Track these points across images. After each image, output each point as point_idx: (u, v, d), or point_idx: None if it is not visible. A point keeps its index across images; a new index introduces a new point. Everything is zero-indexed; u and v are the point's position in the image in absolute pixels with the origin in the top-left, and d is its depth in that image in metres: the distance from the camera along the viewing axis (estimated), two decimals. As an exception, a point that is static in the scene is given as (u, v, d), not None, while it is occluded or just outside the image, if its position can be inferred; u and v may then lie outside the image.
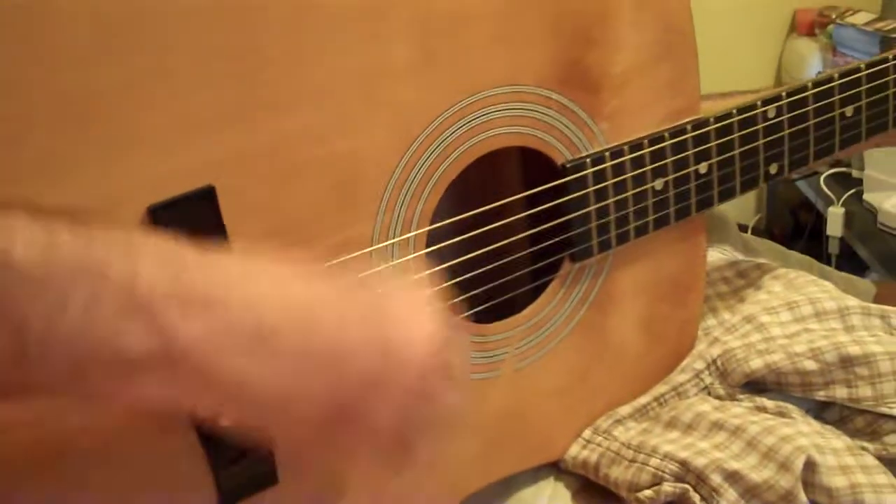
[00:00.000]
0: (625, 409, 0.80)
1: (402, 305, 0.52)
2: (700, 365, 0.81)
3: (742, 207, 2.42)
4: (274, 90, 0.58)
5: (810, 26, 2.31)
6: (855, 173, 2.00)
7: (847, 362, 0.78)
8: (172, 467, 0.60)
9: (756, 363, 0.79)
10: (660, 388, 0.81)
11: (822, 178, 2.02)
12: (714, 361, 0.81)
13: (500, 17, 0.65)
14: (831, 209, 1.96)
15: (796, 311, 0.84)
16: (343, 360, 0.49)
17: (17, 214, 0.44)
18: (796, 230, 2.30)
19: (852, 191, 1.97)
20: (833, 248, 1.99)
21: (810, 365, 0.78)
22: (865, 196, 1.94)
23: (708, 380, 0.81)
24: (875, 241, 1.87)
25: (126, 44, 0.53)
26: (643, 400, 0.80)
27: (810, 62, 2.18)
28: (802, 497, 0.70)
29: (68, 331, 0.43)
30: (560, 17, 0.67)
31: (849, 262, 1.93)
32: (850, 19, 2.22)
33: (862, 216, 1.93)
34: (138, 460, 0.58)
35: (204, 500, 0.62)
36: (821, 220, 2.03)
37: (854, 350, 0.78)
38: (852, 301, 0.85)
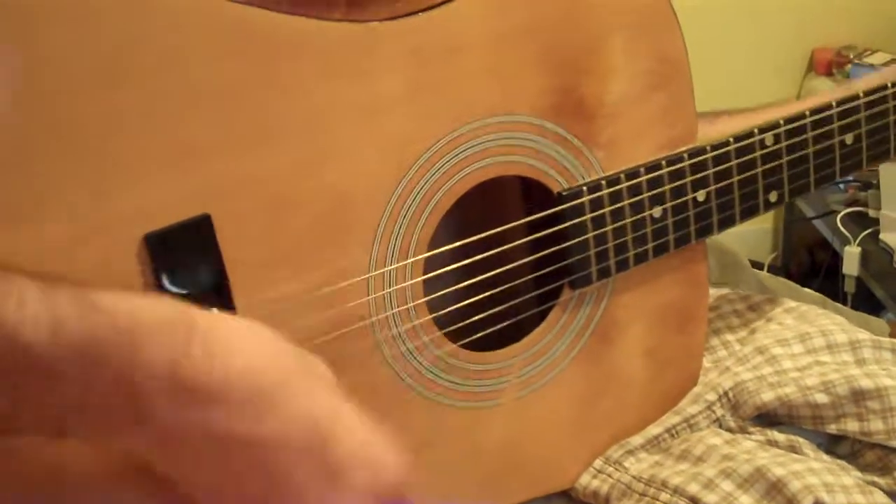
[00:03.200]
0: (636, 440, 0.80)
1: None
2: (712, 397, 0.81)
3: (758, 246, 2.42)
4: (261, 122, 0.59)
5: (828, 66, 2.32)
6: (871, 213, 2.01)
7: (859, 396, 0.78)
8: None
9: (768, 396, 0.79)
10: (671, 419, 0.80)
11: (838, 218, 2.03)
12: (726, 393, 0.81)
13: (492, 48, 0.66)
14: (847, 248, 1.97)
15: (808, 343, 0.84)
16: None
17: (25, 284, 0.45)
18: (812, 269, 2.29)
19: (869, 230, 1.98)
20: (849, 287, 1.99)
21: (822, 398, 0.78)
22: (882, 235, 1.95)
23: (719, 412, 0.81)
24: (891, 280, 1.88)
25: (116, 78, 0.54)
26: (655, 431, 0.80)
27: (829, 101, 2.17)
28: None
29: (59, 402, 0.45)
30: (552, 47, 0.68)
31: (865, 301, 1.93)
32: (868, 59, 2.23)
33: (878, 256, 1.94)
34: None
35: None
36: (837, 259, 2.04)
37: (866, 384, 0.78)
38: (864, 334, 0.85)
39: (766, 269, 2.27)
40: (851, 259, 1.95)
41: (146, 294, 0.50)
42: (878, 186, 1.97)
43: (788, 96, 2.34)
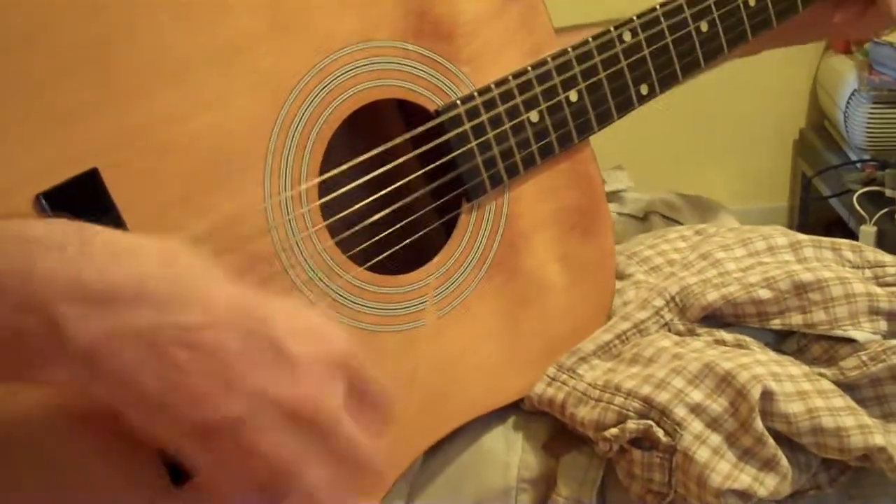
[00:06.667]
0: (587, 346, 0.82)
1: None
2: (659, 302, 0.83)
3: (774, 225, 2.41)
4: (130, 75, 0.62)
5: (846, 44, 2.31)
6: (889, 192, 2.00)
7: (800, 289, 0.80)
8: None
9: (712, 296, 0.81)
10: (621, 325, 0.83)
11: (855, 197, 2.02)
12: (673, 298, 0.83)
13: (345, -22, 0.70)
14: (864, 227, 1.96)
15: (750, 247, 0.87)
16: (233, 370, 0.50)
17: None
18: (828, 248, 2.29)
19: (885, 210, 1.97)
20: (864, 266, 2.00)
21: (765, 294, 0.80)
22: (899, 215, 1.94)
23: (668, 316, 0.83)
24: (907, 260, 1.88)
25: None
26: (605, 337, 0.82)
27: (846, 79, 2.18)
28: (759, 425, 0.71)
29: None
30: (398, -28, 0.73)
31: (880, 280, 1.92)
32: (887, 37, 2.17)
33: (894, 235, 1.93)
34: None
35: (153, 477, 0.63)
36: (853, 238, 2.01)
37: (807, 277, 0.80)
38: (804, 236, 0.88)
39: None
40: (867, 238, 1.94)
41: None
42: (895, 166, 1.97)
43: (805, 74, 2.36)
